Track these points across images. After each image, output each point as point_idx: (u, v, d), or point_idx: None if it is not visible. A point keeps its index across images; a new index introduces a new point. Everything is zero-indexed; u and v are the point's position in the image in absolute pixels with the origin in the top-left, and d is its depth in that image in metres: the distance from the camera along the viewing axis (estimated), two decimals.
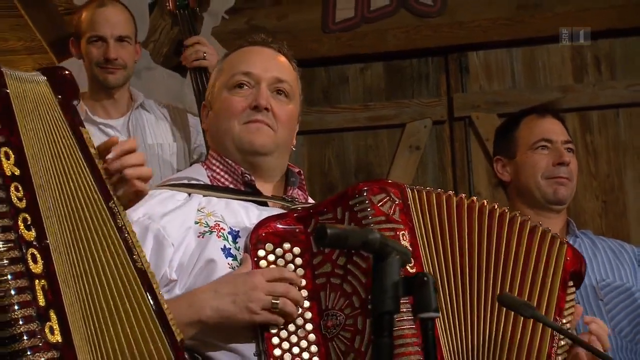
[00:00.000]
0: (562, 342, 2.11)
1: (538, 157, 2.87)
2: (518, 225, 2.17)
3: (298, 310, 1.99)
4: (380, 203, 2.03)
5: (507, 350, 2.06)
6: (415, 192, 2.11)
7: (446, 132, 4.48)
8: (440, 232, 2.11)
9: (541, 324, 2.07)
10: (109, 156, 1.75)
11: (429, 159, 4.47)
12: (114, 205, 1.64)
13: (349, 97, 4.57)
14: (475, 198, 2.18)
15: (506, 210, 2.18)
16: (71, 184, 1.58)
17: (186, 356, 1.67)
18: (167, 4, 3.75)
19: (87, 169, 1.63)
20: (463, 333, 2.06)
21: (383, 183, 2.09)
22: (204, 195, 2.17)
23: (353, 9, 4.52)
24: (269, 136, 2.22)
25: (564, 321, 2.15)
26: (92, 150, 1.66)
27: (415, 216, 2.08)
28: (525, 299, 2.09)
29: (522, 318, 2.05)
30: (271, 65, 2.27)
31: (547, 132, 2.89)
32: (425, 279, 1.50)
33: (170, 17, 4.17)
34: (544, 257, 2.16)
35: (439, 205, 2.12)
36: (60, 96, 1.63)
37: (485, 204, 2.17)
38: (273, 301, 1.95)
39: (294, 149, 2.35)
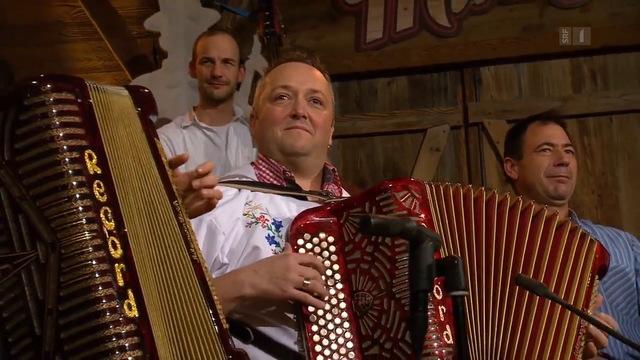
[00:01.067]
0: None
1: (541, 158, 2.82)
2: (544, 220, 2.10)
3: (327, 292, 1.97)
4: (403, 199, 2.00)
5: (530, 339, 2.00)
6: (434, 188, 2.08)
7: (462, 136, 4.46)
8: (457, 224, 2.06)
9: (566, 319, 2.02)
10: (182, 172, 1.78)
11: (447, 160, 4.45)
12: (177, 204, 1.63)
13: (378, 106, 4.55)
14: (495, 190, 2.12)
15: (532, 204, 2.12)
16: (146, 184, 1.57)
17: (231, 342, 1.63)
18: (257, 30, 3.84)
19: (158, 172, 1.62)
20: (479, 321, 2.01)
21: (405, 181, 2.06)
22: (251, 191, 2.16)
23: (381, 31, 4.50)
24: (307, 139, 2.20)
25: (589, 311, 2.09)
26: (163, 159, 1.65)
27: (434, 209, 2.05)
28: (553, 292, 2.02)
29: (546, 308, 2.00)
30: (306, 78, 2.25)
31: (549, 137, 2.84)
32: (456, 261, 1.48)
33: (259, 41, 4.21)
34: (573, 253, 2.09)
35: (456, 199, 2.08)
36: (139, 109, 1.62)
37: (507, 196, 2.11)
38: (304, 282, 1.94)
39: (329, 147, 2.34)
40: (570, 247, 2.10)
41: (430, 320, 1.86)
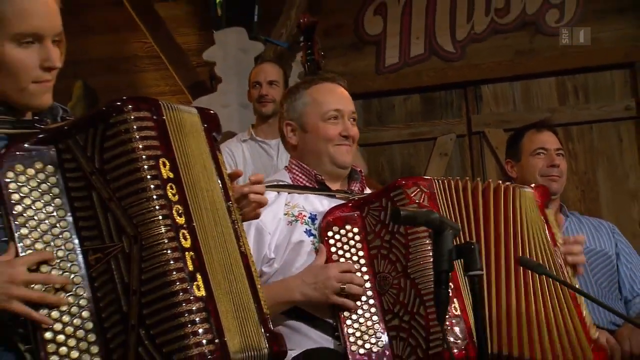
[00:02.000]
0: None
1: (537, 160, 2.79)
2: (512, 193, 2.09)
3: (362, 291, 1.97)
4: (413, 194, 1.99)
5: (535, 304, 1.99)
6: (440, 183, 2.06)
7: (466, 143, 4.41)
8: (458, 210, 2.05)
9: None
10: (240, 183, 1.77)
11: (454, 163, 4.40)
12: (230, 205, 1.62)
13: (396, 119, 4.52)
14: (490, 180, 2.12)
15: (500, 184, 2.11)
16: (209, 187, 1.57)
17: (271, 326, 1.60)
18: (300, 57, 3.80)
19: (218, 179, 1.61)
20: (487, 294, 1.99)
21: (415, 179, 2.05)
22: (288, 193, 2.16)
23: (397, 57, 4.47)
24: (351, 154, 2.22)
25: (560, 245, 2.07)
26: (223, 169, 1.64)
27: (440, 201, 2.03)
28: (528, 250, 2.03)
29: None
30: (348, 101, 2.25)
31: (543, 143, 2.80)
32: (472, 246, 1.47)
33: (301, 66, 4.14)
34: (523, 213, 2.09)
35: (456, 190, 2.07)
36: (206, 125, 1.61)
37: (501, 184, 2.11)
38: (341, 286, 1.94)
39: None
40: (507, 205, 2.08)
41: None
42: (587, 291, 2.49)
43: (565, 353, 1.96)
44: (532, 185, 2.16)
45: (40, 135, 1.43)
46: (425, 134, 4.44)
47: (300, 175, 2.22)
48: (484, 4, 4.40)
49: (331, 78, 2.31)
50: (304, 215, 2.10)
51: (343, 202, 2.12)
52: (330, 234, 2.02)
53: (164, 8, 4.69)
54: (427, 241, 1.93)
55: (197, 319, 1.36)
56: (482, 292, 1.95)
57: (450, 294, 1.87)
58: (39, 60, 1.44)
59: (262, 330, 1.51)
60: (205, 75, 4.63)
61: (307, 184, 2.20)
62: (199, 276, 1.40)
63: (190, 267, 1.39)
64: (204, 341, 1.35)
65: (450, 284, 1.86)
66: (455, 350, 1.85)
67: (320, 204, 2.15)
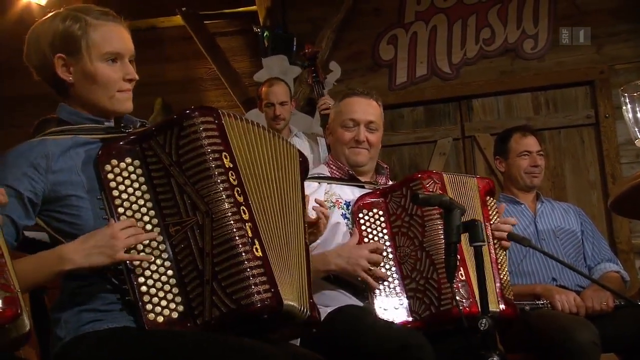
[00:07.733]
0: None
1: (522, 161, 2.72)
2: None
3: (385, 276, 1.93)
4: (428, 184, 1.95)
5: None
6: (448, 176, 2.03)
7: (460, 145, 4.34)
8: (461, 195, 2.03)
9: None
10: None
11: (451, 161, 4.33)
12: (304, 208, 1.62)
13: (404, 126, 4.45)
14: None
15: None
16: (284, 185, 1.56)
17: (313, 305, 1.56)
18: (307, 79, 3.69)
19: (300, 192, 1.61)
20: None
21: (430, 173, 2.01)
22: (327, 183, 2.13)
23: (405, 77, 4.40)
24: (365, 155, 2.15)
25: (491, 223, 2.06)
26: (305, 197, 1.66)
27: (449, 189, 1.99)
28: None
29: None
30: (366, 111, 2.15)
31: (527, 146, 2.73)
32: (476, 222, 1.44)
33: (308, 86, 4.12)
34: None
35: (461, 182, 2.05)
36: (301, 159, 1.68)
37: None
38: (370, 267, 1.91)
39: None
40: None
41: None
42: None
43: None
44: (477, 176, 2.16)
45: (128, 138, 1.43)
46: (427, 137, 4.38)
47: (335, 169, 2.19)
48: (474, 35, 4.32)
49: (360, 93, 2.22)
50: (340, 202, 2.07)
51: (371, 191, 2.09)
52: (360, 215, 1.99)
53: (224, 41, 4.67)
54: (438, 222, 1.88)
55: (256, 273, 1.34)
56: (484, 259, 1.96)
57: (458, 263, 1.85)
58: (122, 74, 1.46)
59: (307, 298, 1.48)
60: (255, 93, 4.62)
61: (341, 176, 2.17)
62: (256, 241, 1.37)
63: (250, 234, 1.37)
64: (262, 289, 1.33)
65: (457, 255, 1.87)
66: (461, 308, 1.82)
67: (352, 193, 2.11)
